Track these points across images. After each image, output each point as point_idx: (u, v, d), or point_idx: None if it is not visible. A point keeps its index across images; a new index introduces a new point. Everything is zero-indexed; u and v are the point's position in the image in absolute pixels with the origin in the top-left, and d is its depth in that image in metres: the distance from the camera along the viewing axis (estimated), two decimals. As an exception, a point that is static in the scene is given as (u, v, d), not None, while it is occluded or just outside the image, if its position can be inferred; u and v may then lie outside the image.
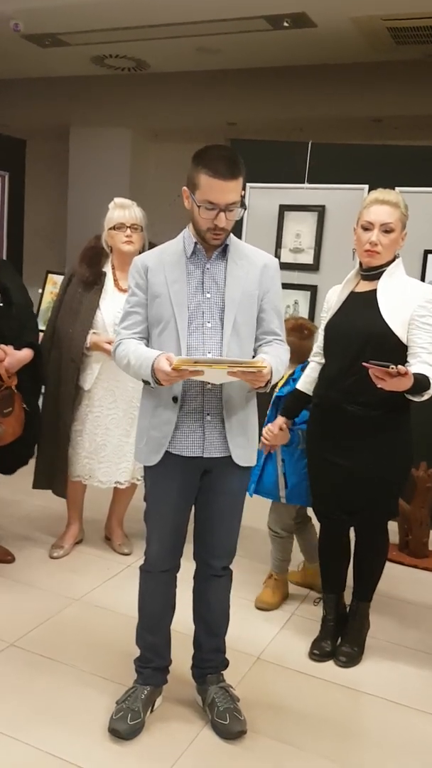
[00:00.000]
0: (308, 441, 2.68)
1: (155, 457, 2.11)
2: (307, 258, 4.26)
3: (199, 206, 1.98)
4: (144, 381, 2.08)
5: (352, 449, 2.49)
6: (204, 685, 2.29)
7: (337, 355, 2.52)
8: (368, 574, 2.70)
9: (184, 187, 2.02)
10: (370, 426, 2.45)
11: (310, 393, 2.66)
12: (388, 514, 2.66)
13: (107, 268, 3.23)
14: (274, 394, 2.87)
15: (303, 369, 2.77)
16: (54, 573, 3.18)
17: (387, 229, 2.43)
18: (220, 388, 2.06)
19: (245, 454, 2.14)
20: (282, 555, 3.04)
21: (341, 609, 2.76)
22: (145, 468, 2.18)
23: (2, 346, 2.84)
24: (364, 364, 2.15)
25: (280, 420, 2.77)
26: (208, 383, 2.04)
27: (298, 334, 2.95)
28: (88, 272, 3.19)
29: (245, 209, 2.09)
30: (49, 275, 5.08)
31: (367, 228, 2.45)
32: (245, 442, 2.14)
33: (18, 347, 2.89)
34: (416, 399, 2.34)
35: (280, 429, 2.76)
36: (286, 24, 4.71)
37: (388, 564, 2.78)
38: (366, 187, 3.93)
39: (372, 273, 2.50)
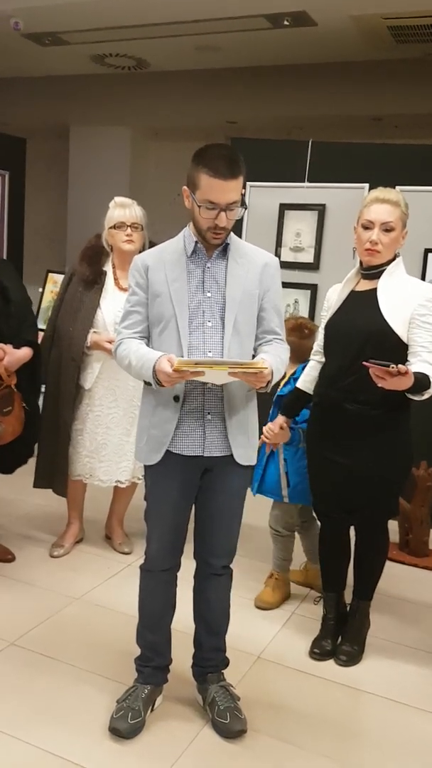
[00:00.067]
0: (308, 440, 2.68)
1: (156, 456, 2.11)
2: (308, 257, 4.25)
3: (199, 206, 1.98)
4: (145, 382, 2.08)
5: (352, 448, 2.49)
6: (204, 684, 2.29)
7: (337, 354, 2.51)
8: (368, 573, 2.70)
9: (185, 187, 2.02)
10: (371, 425, 2.45)
11: (311, 392, 2.66)
12: (389, 513, 2.66)
13: (108, 267, 3.23)
14: (276, 393, 2.87)
15: (305, 368, 2.77)
16: (54, 572, 3.18)
17: (387, 228, 2.43)
18: (220, 387, 2.06)
19: (246, 453, 2.14)
20: (283, 554, 3.04)
21: (341, 608, 2.76)
22: (146, 467, 2.18)
23: (1, 344, 2.83)
24: (365, 363, 2.15)
25: (281, 419, 2.77)
26: (209, 383, 2.04)
27: (299, 333, 2.95)
28: (89, 271, 3.19)
29: (246, 209, 2.09)
30: (50, 274, 5.08)
31: (367, 227, 2.45)
32: (245, 441, 2.14)
33: (17, 346, 2.88)
34: (416, 398, 2.34)
35: (281, 428, 2.76)
36: (286, 22, 4.70)
37: (388, 563, 2.78)
38: (366, 185, 3.93)
39: (372, 272, 2.50)
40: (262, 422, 2.58)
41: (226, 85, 5.97)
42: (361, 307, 2.48)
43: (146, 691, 2.23)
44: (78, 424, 3.22)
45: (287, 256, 4.25)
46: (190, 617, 2.31)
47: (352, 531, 2.70)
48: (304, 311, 4.22)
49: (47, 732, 2.14)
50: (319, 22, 4.71)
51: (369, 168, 4.02)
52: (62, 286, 3.33)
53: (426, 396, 2.33)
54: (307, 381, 2.69)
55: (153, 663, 2.25)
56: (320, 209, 4.20)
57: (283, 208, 4.28)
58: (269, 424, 2.79)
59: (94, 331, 3.13)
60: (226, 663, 2.34)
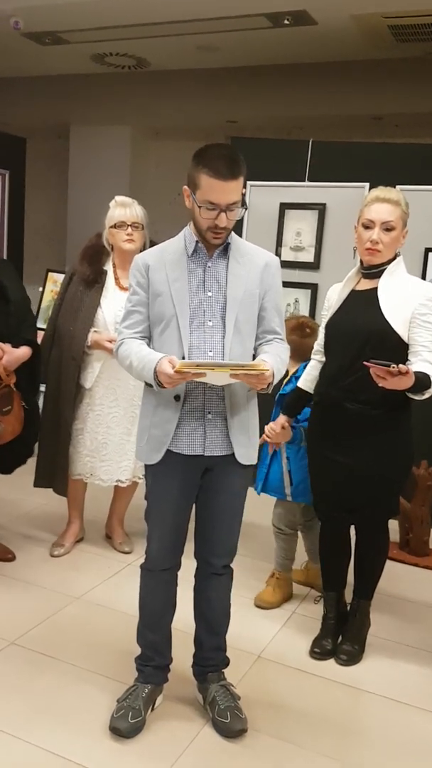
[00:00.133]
0: (309, 439, 2.68)
1: (156, 456, 2.11)
2: (308, 256, 4.25)
3: (199, 206, 1.98)
4: (146, 383, 2.08)
5: (353, 447, 2.49)
6: (205, 683, 2.29)
7: (337, 354, 2.51)
8: (369, 572, 2.70)
9: (185, 186, 2.02)
10: (371, 424, 2.45)
11: (312, 391, 2.66)
12: (389, 513, 2.66)
13: (108, 267, 3.23)
14: (278, 392, 2.87)
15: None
16: (54, 571, 3.18)
17: (388, 228, 2.42)
18: (221, 387, 2.06)
19: (247, 453, 2.14)
20: (285, 553, 3.04)
21: (342, 607, 2.76)
22: (146, 466, 2.18)
23: (0, 344, 2.83)
24: (366, 363, 2.15)
25: (282, 418, 2.77)
26: (209, 383, 2.04)
27: (300, 332, 2.95)
28: (89, 270, 3.19)
29: (246, 209, 2.09)
30: (50, 274, 5.08)
31: (368, 226, 2.45)
32: (246, 440, 2.14)
33: (16, 345, 2.88)
34: (417, 397, 2.34)
35: (282, 427, 2.76)
36: (286, 22, 4.70)
37: (388, 562, 2.79)
38: (367, 185, 3.93)
39: (373, 271, 2.50)
40: (265, 421, 2.58)
41: (226, 85, 5.97)
42: (362, 306, 2.48)
43: (147, 690, 2.23)
44: (78, 423, 3.22)
45: (288, 255, 4.25)
46: (190, 616, 2.31)
47: (352, 530, 2.70)
48: (304, 311, 4.21)
49: (47, 731, 2.14)
50: (319, 22, 4.70)
51: (369, 167, 4.02)
52: (63, 286, 3.33)
53: (427, 395, 2.33)
54: (307, 380, 2.69)
55: (153, 662, 2.26)
56: (321, 208, 4.20)
57: (284, 207, 4.28)
58: (271, 424, 2.79)
59: (95, 331, 3.13)
60: (226, 662, 2.34)
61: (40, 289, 5.03)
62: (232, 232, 2.09)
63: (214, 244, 2.06)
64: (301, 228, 4.26)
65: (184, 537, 2.21)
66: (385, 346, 2.39)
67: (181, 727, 2.22)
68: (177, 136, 6.67)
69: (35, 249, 6.87)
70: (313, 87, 5.66)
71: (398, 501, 2.74)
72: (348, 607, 2.76)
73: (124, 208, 3.13)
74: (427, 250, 3.94)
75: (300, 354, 2.85)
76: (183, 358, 2.03)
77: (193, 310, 2.06)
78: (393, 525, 2.88)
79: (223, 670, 2.32)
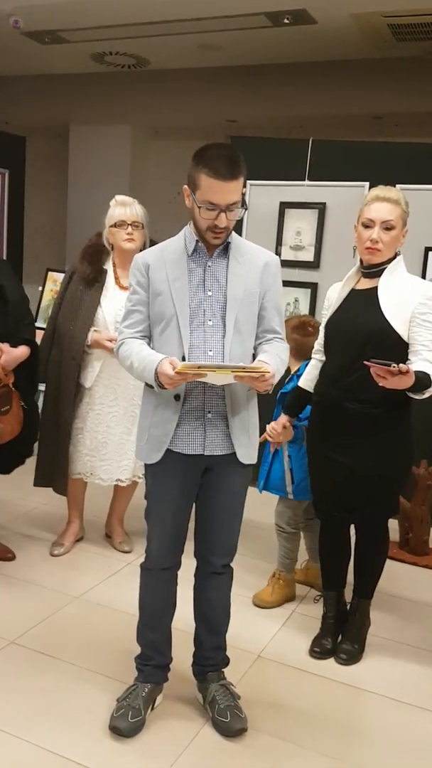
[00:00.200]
0: (309, 438, 2.68)
1: (156, 455, 2.11)
2: (308, 255, 4.25)
3: (199, 206, 1.97)
4: (147, 384, 2.08)
5: (353, 447, 2.49)
6: (205, 682, 2.29)
7: (337, 353, 2.51)
8: (369, 571, 2.70)
9: (185, 186, 2.02)
10: (371, 424, 2.45)
11: (312, 390, 2.66)
12: (389, 512, 2.66)
13: (108, 266, 3.23)
14: (280, 391, 2.88)
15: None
16: (54, 571, 3.18)
17: (388, 227, 2.42)
18: (221, 387, 2.06)
19: (247, 452, 2.14)
20: (287, 552, 3.03)
21: (342, 606, 2.76)
22: (146, 466, 2.18)
23: None
24: (366, 362, 2.15)
25: (284, 418, 2.77)
26: (210, 383, 2.04)
27: (302, 331, 2.96)
28: (89, 269, 3.19)
29: (246, 209, 2.09)
30: (49, 273, 5.08)
31: (367, 225, 2.45)
32: (246, 440, 2.14)
33: (14, 345, 2.88)
34: (417, 397, 2.34)
35: (284, 427, 2.76)
36: (286, 21, 4.69)
37: (388, 561, 2.79)
38: (367, 184, 3.93)
39: (373, 270, 2.50)
40: (266, 420, 2.58)
41: (226, 84, 5.96)
42: (362, 305, 2.48)
43: (146, 689, 2.23)
44: (78, 422, 3.22)
45: (287, 254, 4.25)
46: (190, 616, 2.31)
47: (352, 530, 2.70)
48: (304, 310, 4.21)
49: (47, 731, 2.15)
50: (319, 21, 4.70)
51: (369, 166, 4.02)
52: (63, 285, 3.33)
53: (427, 395, 2.33)
54: (308, 380, 2.69)
55: (153, 662, 2.26)
56: (321, 208, 4.19)
57: (284, 206, 4.27)
58: (272, 423, 2.79)
59: (95, 330, 3.13)
60: (226, 662, 2.34)
61: (40, 288, 5.03)
62: (233, 232, 2.09)
63: (213, 244, 2.06)
64: (301, 227, 4.25)
65: (184, 536, 2.21)
66: (385, 345, 2.39)
67: (181, 726, 2.22)
68: (177, 135, 6.67)
69: (35, 248, 6.87)
70: (313, 86, 5.65)
71: (398, 500, 2.74)
72: (348, 607, 2.76)
73: (124, 208, 3.13)
74: (427, 249, 3.94)
75: (302, 353, 2.86)
76: (183, 357, 2.03)
77: (193, 310, 2.06)
78: (393, 524, 2.88)
79: (223, 670, 2.32)
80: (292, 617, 2.94)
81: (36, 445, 3.25)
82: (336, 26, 4.77)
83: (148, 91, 6.35)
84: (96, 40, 5.44)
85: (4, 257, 5.63)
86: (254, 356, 2.15)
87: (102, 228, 3.20)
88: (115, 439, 3.22)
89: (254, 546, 3.40)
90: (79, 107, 6.67)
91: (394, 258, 2.49)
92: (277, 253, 4.12)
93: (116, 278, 3.20)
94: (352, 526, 2.69)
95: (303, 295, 4.26)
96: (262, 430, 2.49)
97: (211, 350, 2.05)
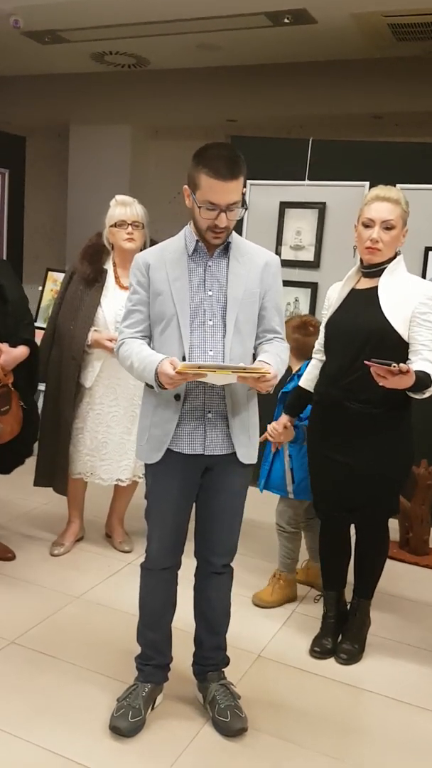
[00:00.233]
0: (309, 438, 2.68)
1: (156, 455, 2.11)
2: (308, 255, 4.25)
3: (199, 206, 1.97)
4: (147, 384, 2.08)
5: (353, 447, 2.49)
6: (205, 682, 2.29)
7: (337, 353, 2.51)
8: (369, 571, 2.70)
9: (185, 186, 2.02)
10: (371, 423, 2.45)
11: (312, 390, 2.66)
12: (389, 512, 2.66)
13: (108, 266, 3.23)
14: (281, 390, 2.88)
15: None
16: (54, 570, 3.18)
17: (388, 226, 2.42)
18: (221, 386, 2.06)
19: (247, 452, 2.14)
20: (287, 552, 3.03)
21: (342, 606, 2.76)
22: (147, 465, 2.18)
23: None
24: (366, 362, 2.15)
25: (285, 418, 2.77)
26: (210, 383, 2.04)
27: (303, 331, 2.96)
28: (90, 269, 3.19)
29: (246, 209, 2.08)
30: (49, 273, 5.08)
31: (368, 225, 2.45)
32: (247, 440, 2.14)
33: (14, 345, 2.88)
34: (418, 396, 2.34)
35: (285, 427, 2.76)
36: (286, 20, 4.69)
37: (388, 561, 2.79)
38: (367, 184, 3.93)
39: (373, 270, 2.50)
40: (266, 420, 2.58)
41: (226, 84, 5.96)
42: (362, 305, 2.48)
43: (147, 689, 2.23)
44: (79, 422, 3.22)
45: (287, 254, 4.25)
46: (190, 616, 2.31)
47: (352, 529, 2.69)
48: (304, 310, 4.21)
49: (48, 730, 2.14)
50: (319, 20, 4.70)
51: (369, 166, 4.02)
52: (63, 285, 3.33)
53: (427, 394, 2.33)
54: (308, 379, 2.69)
55: (153, 661, 2.25)
56: (321, 207, 4.19)
57: (284, 206, 4.27)
58: (273, 424, 2.79)
59: (95, 330, 3.13)
60: (226, 661, 2.34)
61: (40, 288, 5.03)
62: (233, 231, 2.08)
63: (214, 244, 2.06)
64: (301, 227, 4.25)
65: (184, 536, 2.21)
66: (386, 345, 2.38)
67: (181, 726, 2.22)
68: (177, 135, 6.67)
69: (35, 248, 6.87)
70: (313, 86, 5.66)
71: (398, 500, 2.74)
72: (348, 606, 2.76)
73: (124, 207, 3.13)
74: (428, 249, 3.94)
75: (303, 352, 2.87)
76: (183, 357, 2.03)
77: (194, 310, 2.06)
78: (393, 524, 2.88)
79: (223, 669, 2.32)
80: (293, 617, 2.94)
81: (36, 445, 3.25)
82: (336, 26, 4.77)
83: (148, 91, 6.35)
84: (96, 39, 5.44)
85: (4, 257, 5.63)
86: (254, 356, 2.15)
87: (102, 228, 3.20)
88: (115, 438, 3.22)
89: (254, 546, 3.40)
90: (79, 107, 6.68)
91: (394, 258, 2.49)
92: (277, 252, 4.12)
93: (116, 278, 3.20)
94: (353, 526, 2.69)
95: (303, 295, 4.26)
96: (263, 430, 2.49)
97: (211, 350, 2.05)
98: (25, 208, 6.07)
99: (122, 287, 3.14)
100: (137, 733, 2.15)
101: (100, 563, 3.29)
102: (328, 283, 2.74)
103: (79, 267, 3.22)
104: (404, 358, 2.36)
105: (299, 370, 2.87)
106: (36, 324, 3.63)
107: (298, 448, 2.88)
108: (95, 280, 3.18)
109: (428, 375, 2.28)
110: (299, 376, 2.79)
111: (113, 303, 3.13)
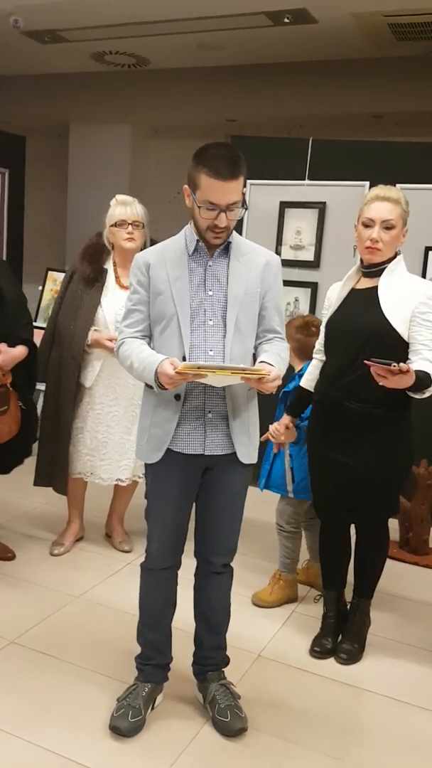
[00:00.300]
0: (309, 438, 2.68)
1: (156, 455, 2.11)
2: (308, 255, 4.25)
3: (199, 206, 1.97)
4: (147, 384, 2.08)
5: (353, 446, 2.49)
6: (205, 682, 2.29)
7: (338, 353, 2.51)
8: (369, 571, 2.70)
9: (185, 186, 2.01)
10: (371, 423, 2.45)
11: (313, 390, 2.66)
12: (389, 512, 2.66)
13: (108, 265, 3.23)
14: (282, 390, 2.88)
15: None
16: (54, 570, 3.18)
17: (388, 226, 2.42)
18: (221, 387, 2.06)
19: (248, 452, 2.14)
20: (287, 552, 3.03)
21: (342, 606, 2.76)
22: (147, 465, 2.18)
23: None
24: (366, 362, 2.15)
25: (286, 419, 2.77)
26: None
27: (306, 331, 2.96)
28: (90, 269, 3.19)
29: (246, 209, 2.08)
30: (49, 272, 5.08)
31: (368, 225, 2.45)
32: (247, 440, 2.14)
33: (12, 344, 2.87)
34: (418, 396, 2.34)
35: (287, 427, 2.76)
36: (286, 20, 4.69)
37: (388, 561, 2.78)
38: (367, 183, 3.93)
39: (373, 270, 2.50)
40: (266, 420, 2.58)
41: (226, 83, 5.96)
42: (362, 305, 2.47)
43: (147, 689, 2.23)
44: (79, 422, 3.22)
45: (287, 254, 4.25)
46: (190, 615, 2.31)
47: (352, 529, 2.69)
48: (304, 309, 4.21)
49: (48, 730, 2.14)
50: (319, 20, 4.70)
51: (369, 166, 4.02)
52: (63, 284, 3.33)
53: (427, 394, 2.33)
54: (309, 380, 2.69)
55: (153, 661, 2.25)
56: (321, 207, 4.19)
57: (284, 206, 4.27)
58: (275, 424, 2.79)
59: (95, 329, 3.13)
60: (226, 661, 2.34)
61: (40, 288, 5.03)
62: (233, 231, 2.08)
63: (214, 244, 2.06)
64: (301, 227, 4.25)
65: (184, 536, 2.21)
66: (386, 344, 2.38)
67: (181, 726, 2.22)
68: (177, 135, 6.67)
69: (35, 248, 6.87)
70: (313, 85, 5.66)
71: (398, 500, 2.74)
72: (348, 606, 2.75)
73: (124, 207, 3.13)
74: (428, 249, 3.94)
75: (305, 353, 2.87)
76: (183, 357, 2.03)
77: (194, 309, 2.05)
78: (393, 524, 2.88)
79: (223, 669, 2.32)
80: (293, 617, 2.94)
81: (35, 445, 3.25)
82: (336, 26, 4.77)
83: (148, 90, 6.35)
84: (96, 39, 5.44)
85: (4, 257, 5.63)
86: (254, 356, 2.15)
87: (102, 227, 3.20)
88: (115, 438, 3.22)
89: (255, 545, 3.40)
90: (79, 107, 6.68)
91: (394, 257, 2.49)
92: (277, 252, 4.12)
93: (117, 278, 3.20)
94: (353, 526, 2.69)
95: (303, 295, 4.26)
96: (263, 430, 2.49)
97: (211, 350, 2.05)
98: (25, 208, 6.07)
99: (122, 287, 3.14)
100: (137, 733, 2.15)
101: (100, 563, 3.29)
102: (328, 283, 2.74)
103: (79, 267, 3.22)
104: (404, 358, 2.36)
105: (301, 370, 2.87)
106: (36, 324, 3.63)
107: (298, 447, 2.88)
108: (95, 279, 3.18)
109: (428, 375, 2.28)
110: (300, 376, 2.79)
111: (113, 303, 3.13)
